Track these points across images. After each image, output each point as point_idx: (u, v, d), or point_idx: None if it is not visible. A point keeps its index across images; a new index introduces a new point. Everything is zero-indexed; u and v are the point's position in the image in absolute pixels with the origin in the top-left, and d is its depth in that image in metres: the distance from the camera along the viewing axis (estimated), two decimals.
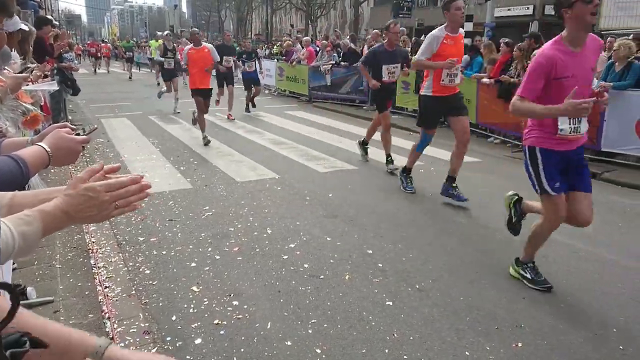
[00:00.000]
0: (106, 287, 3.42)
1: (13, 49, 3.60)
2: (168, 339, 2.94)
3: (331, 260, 4.04)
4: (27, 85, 3.25)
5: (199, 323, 3.10)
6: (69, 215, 1.02)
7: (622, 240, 4.59)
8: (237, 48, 15.34)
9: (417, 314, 3.25)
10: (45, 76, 4.87)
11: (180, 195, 5.70)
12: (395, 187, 6.16)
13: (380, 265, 3.97)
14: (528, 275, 3.67)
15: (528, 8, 24.97)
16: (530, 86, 3.27)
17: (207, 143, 8.38)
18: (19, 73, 3.05)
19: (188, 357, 2.77)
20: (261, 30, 49.54)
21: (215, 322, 3.12)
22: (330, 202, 5.51)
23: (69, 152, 1.53)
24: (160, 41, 22.41)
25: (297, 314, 3.23)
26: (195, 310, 3.25)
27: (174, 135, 9.39)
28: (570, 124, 3.28)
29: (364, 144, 7.60)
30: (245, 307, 3.30)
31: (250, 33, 52.90)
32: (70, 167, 3.49)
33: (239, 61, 12.59)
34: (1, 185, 1.22)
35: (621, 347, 2.92)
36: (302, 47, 15.34)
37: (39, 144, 1.48)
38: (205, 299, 3.39)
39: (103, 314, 3.11)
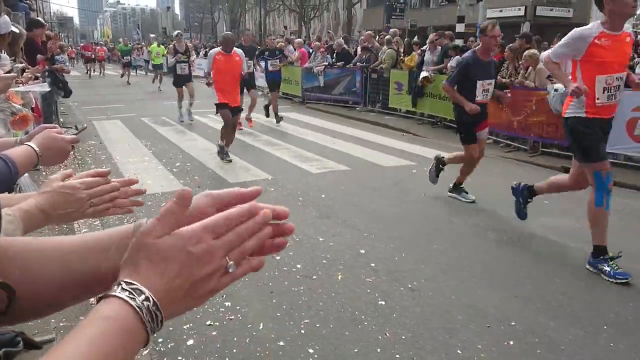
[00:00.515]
0: None
1: (3, 51, 3.59)
2: (160, 340, 2.93)
3: (324, 261, 4.04)
4: (18, 86, 3.24)
5: (191, 324, 3.10)
6: (47, 213, 1.02)
7: (612, 239, 4.61)
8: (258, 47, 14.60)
9: (410, 313, 3.26)
10: (36, 77, 4.85)
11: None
12: (388, 187, 6.18)
13: (373, 265, 3.97)
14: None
15: (520, 9, 25.14)
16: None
17: (228, 161, 7.21)
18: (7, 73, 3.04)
19: (180, 358, 2.77)
20: (255, 32, 49.56)
21: (208, 323, 3.11)
22: (323, 203, 5.51)
23: (58, 151, 1.53)
24: (163, 47, 21.03)
25: (290, 315, 3.23)
26: (187, 312, 3.24)
27: (166, 137, 9.37)
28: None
29: (456, 189, 5.75)
30: (238, 307, 3.30)
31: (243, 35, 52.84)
32: (60, 167, 3.47)
33: (259, 60, 11.33)
34: None
35: (612, 344, 2.94)
36: (294, 49, 15.35)
37: (28, 143, 1.48)
38: None
39: None
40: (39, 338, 2.84)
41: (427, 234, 4.64)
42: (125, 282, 0.50)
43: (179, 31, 12.92)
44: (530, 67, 8.12)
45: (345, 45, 13.88)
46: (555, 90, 7.43)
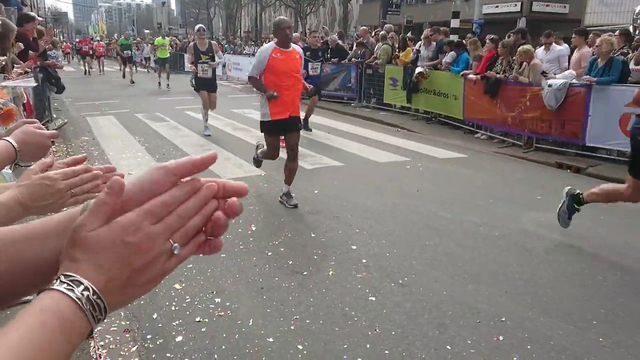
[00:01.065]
0: None
1: None
2: (149, 337, 2.92)
3: (315, 257, 4.03)
4: (4, 80, 3.21)
5: (180, 320, 3.08)
6: (25, 205, 1.00)
7: (602, 234, 4.63)
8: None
9: (400, 308, 3.25)
10: (26, 72, 4.81)
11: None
12: (381, 183, 6.17)
13: (364, 260, 3.97)
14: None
15: (516, 5, 25.10)
16: None
17: (293, 206, 5.20)
18: None
19: (168, 354, 2.76)
20: (250, 28, 49.38)
21: (197, 319, 3.10)
22: (316, 199, 5.50)
23: (37, 147, 1.51)
24: (167, 39, 19.98)
25: (280, 311, 3.22)
26: (176, 308, 3.23)
27: (160, 133, 9.33)
28: None
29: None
30: (228, 304, 3.29)
31: (239, 30, 52.71)
32: None
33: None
34: None
35: (600, 339, 2.95)
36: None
37: (6, 138, 1.46)
38: (188, 297, 3.37)
39: None
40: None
41: (419, 230, 4.63)
42: (63, 275, 0.50)
43: (201, 25, 9.90)
44: (525, 63, 8.11)
45: (339, 41, 13.83)
46: (549, 86, 7.44)
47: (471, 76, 9.09)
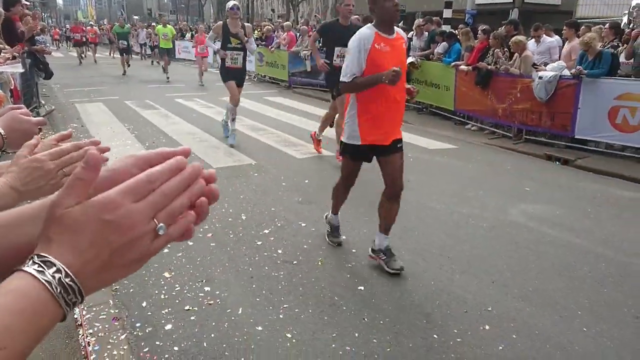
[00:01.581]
0: None
1: None
2: (138, 325, 2.93)
3: (305, 246, 4.05)
4: None
5: (169, 309, 3.09)
6: (18, 190, 0.99)
7: (590, 226, 4.69)
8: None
9: (388, 298, 3.28)
10: (14, 58, 4.74)
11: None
12: (371, 174, 6.17)
13: (354, 250, 3.99)
14: None
15: None
16: None
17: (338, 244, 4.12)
18: None
19: (157, 342, 2.77)
20: (242, 15, 48.91)
21: (186, 308, 3.11)
22: (307, 188, 5.51)
23: (24, 133, 1.49)
24: (170, 27, 17.12)
25: (269, 300, 3.24)
26: (166, 296, 3.23)
27: (150, 120, 9.25)
28: None
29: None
30: (217, 292, 3.30)
31: None
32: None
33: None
34: None
35: (584, 329, 3.00)
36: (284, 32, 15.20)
37: None
38: (177, 285, 3.37)
39: None
40: None
41: (409, 221, 4.66)
42: (37, 255, 0.47)
43: (235, 3, 7.26)
44: (516, 54, 8.13)
45: None
46: (540, 77, 7.47)
47: (463, 67, 9.09)
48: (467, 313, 3.14)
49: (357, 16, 7.68)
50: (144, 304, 3.14)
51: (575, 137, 7.36)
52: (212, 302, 3.19)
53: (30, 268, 0.46)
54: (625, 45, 7.66)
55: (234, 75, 7.35)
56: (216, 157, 6.74)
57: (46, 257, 0.47)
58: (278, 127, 8.85)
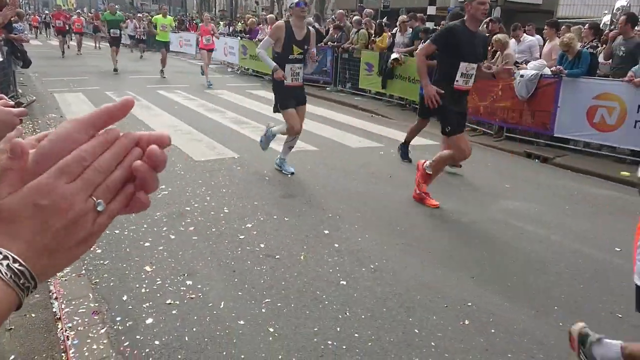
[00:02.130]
0: None
1: None
2: (118, 319, 2.90)
3: (288, 240, 4.05)
4: None
5: (150, 303, 3.07)
6: None
7: (567, 223, 4.78)
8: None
9: (370, 293, 3.31)
10: None
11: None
12: (354, 168, 6.20)
13: (337, 245, 4.01)
14: None
15: None
16: None
17: None
18: None
19: (138, 336, 2.75)
20: (225, 7, 48.41)
21: (168, 301, 3.09)
22: (290, 183, 5.50)
23: (4, 124, 1.47)
24: (170, 18, 15.45)
25: (251, 294, 3.24)
26: (147, 290, 3.21)
27: (131, 112, 9.06)
28: None
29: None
30: (199, 286, 3.29)
31: (214, 9, 51.60)
32: None
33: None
34: None
35: (560, 324, 3.06)
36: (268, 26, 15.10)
37: None
38: (158, 279, 3.35)
39: (50, 293, 3.04)
40: None
41: (391, 216, 4.69)
42: None
43: None
44: (498, 52, 8.22)
45: (316, 24, 13.71)
46: (521, 76, 7.57)
47: None
48: (448, 308, 3.18)
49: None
50: (124, 298, 3.11)
51: (555, 135, 7.49)
52: (193, 296, 3.18)
53: None
54: (604, 46, 7.81)
55: (296, 96, 5.61)
56: (198, 150, 6.68)
57: None
58: (261, 120, 8.79)
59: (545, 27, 8.65)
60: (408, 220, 4.61)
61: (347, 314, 3.06)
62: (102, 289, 3.21)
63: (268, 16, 16.65)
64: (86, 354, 2.56)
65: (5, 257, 0.47)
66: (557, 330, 3.00)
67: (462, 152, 4.75)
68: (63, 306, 2.92)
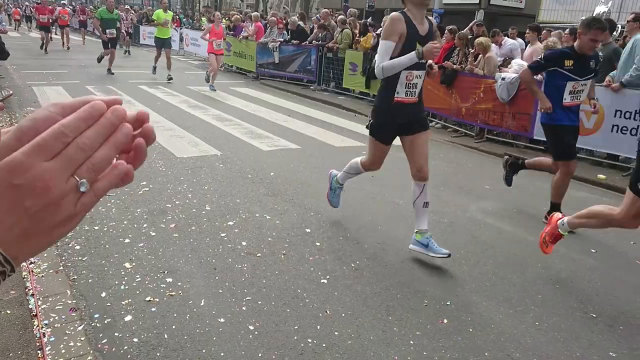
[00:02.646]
0: (31, 263, 3.27)
1: None
2: (96, 316, 2.87)
3: (269, 239, 4.05)
4: None
5: (129, 300, 3.04)
6: None
7: (544, 224, 4.86)
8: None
9: (350, 291, 3.33)
10: None
11: None
12: (337, 167, 6.21)
13: (318, 244, 4.02)
14: None
15: None
16: None
17: None
18: None
19: (117, 334, 2.72)
20: (210, 3, 48.04)
21: (147, 299, 3.07)
22: (272, 181, 5.50)
23: None
24: (170, 13, 14.14)
25: (232, 292, 3.23)
26: (126, 287, 3.18)
27: None
28: None
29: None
30: (179, 284, 3.27)
31: (198, 5, 51.17)
32: None
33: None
34: None
35: (537, 323, 3.12)
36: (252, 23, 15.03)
37: None
38: (138, 276, 3.32)
39: (27, 290, 2.99)
40: None
41: (372, 215, 4.72)
42: None
43: None
44: (480, 55, 8.31)
45: (300, 22, 13.71)
46: (503, 79, 7.67)
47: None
48: (427, 307, 3.21)
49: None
50: (103, 295, 3.08)
51: (535, 138, 7.60)
52: (173, 293, 3.16)
53: None
54: None
55: (406, 118, 3.86)
56: (180, 147, 6.63)
57: None
58: (244, 118, 8.78)
59: (527, 31, 8.78)
60: (389, 219, 4.65)
61: (328, 312, 3.07)
62: (81, 285, 3.17)
63: (252, 13, 16.57)
64: (62, 351, 2.52)
65: None
66: (534, 329, 3.06)
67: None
68: (40, 303, 2.88)
